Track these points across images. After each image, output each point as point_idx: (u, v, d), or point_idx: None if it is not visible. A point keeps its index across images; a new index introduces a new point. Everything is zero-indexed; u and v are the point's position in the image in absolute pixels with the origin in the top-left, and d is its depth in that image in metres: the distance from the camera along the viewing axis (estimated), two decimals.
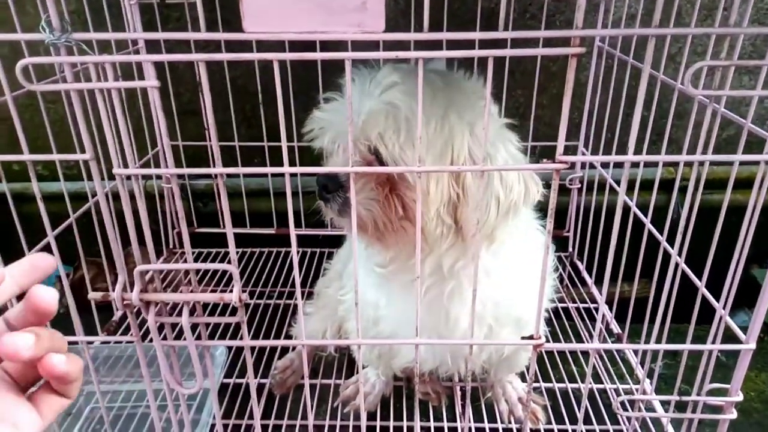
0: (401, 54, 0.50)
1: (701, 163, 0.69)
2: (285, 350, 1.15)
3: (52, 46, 0.49)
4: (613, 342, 1.11)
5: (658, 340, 0.78)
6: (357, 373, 1.09)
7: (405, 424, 0.98)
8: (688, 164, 0.68)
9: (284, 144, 0.53)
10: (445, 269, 0.75)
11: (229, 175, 0.55)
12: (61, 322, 0.77)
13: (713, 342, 0.71)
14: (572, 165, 1.29)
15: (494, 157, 0.68)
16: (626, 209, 0.80)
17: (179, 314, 0.60)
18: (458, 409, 1.02)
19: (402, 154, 0.65)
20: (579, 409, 0.99)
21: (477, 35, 0.50)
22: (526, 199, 0.70)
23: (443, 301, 0.78)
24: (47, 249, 0.79)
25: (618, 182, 1.10)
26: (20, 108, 0.59)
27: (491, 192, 0.67)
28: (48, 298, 0.42)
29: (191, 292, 0.60)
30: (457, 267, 0.76)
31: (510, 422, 0.99)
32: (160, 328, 0.61)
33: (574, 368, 1.11)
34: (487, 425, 0.98)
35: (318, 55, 0.51)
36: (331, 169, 0.64)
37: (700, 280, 0.78)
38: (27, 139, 0.59)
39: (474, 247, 0.70)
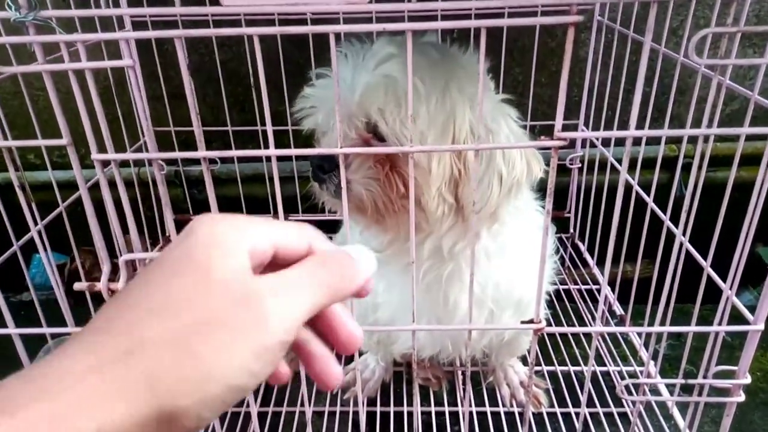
0: (389, 26, 0.47)
1: (705, 139, 0.67)
2: None
3: (20, 24, 0.46)
4: (616, 324, 1.09)
5: (662, 322, 0.76)
6: (356, 359, 1.08)
7: (405, 409, 0.97)
8: (691, 141, 0.65)
9: (269, 125, 0.51)
10: (444, 251, 0.73)
11: (223, 161, 0.53)
12: (55, 313, 0.77)
13: (719, 323, 0.69)
14: (572, 143, 1.27)
15: (496, 133, 0.65)
16: (628, 188, 0.78)
17: None
18: (459, 394, 1.01)
19: (404, 129, 0.62)
20: (582, 392, 0.98)
21: (473, 3, 0.48)
22: (528, 177, 0.68)
23: (442, 284, 0.76)
24: (49, 238, 0.77)
25: (619, 161, 1.07)
26: (9, 95, 0.57)
27: (494, 169, 0.65)
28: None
29: None
30: (456, 249, 0.73)
31: (512, 406, 0.98)
32: None
33: (577, 350, 1.09)
34: (488, 409, 0.97)
35: (302, 29, 0.49)
36: (321, 151, 0.62)
37: (705, 259, 0.76)
38: (15, 126, 0.57)
39: (474, 227, 0.68)
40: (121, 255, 0.58)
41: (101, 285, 0.57)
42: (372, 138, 0.66)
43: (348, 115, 0.65)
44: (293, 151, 0.53)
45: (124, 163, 1.28)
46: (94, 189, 0.57)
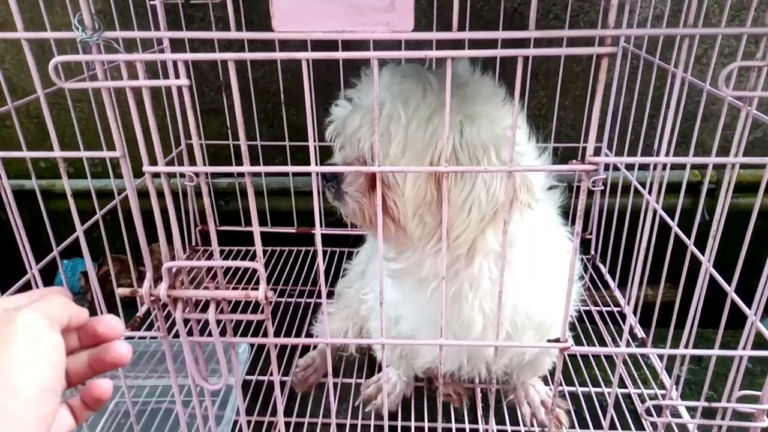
0: (430, 53, 0.50)
1: (732, 166, 0.68)
2: (305, 349, 1.16)
3: (84, 44, 0.50)
4: (636, 346, 1.10)
5: (685, 346, 0.76)
6: (377, 372, 1.09)
7: (427, 425, 0.98)
8: (716, 168, 0.66)
9: (311, 142, 0.53)
10: (443, 270, 0.75)
11: (252, 174, 0.55)
12: None
13: (744, 348, 0.69)
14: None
15: (481, 162, 0.66)
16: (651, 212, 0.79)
17: (203, 311, 0.60)
18: (479, 411, 1.01)
19: (374, 149, 0.65)
20: (603, 414, 0.98)
21: (500, 35, 0.50)
22: (513, 206, 0.67)
23: (448, 302, 0.77)
24: (76, 244, 0.81)
25: (642, 184, 1.09)
26: (48, 108, 0.60)
27: (474, 196, 0.66)
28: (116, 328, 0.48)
29: (217, 289, 0.61)
30: (453, 270, 0.74)
31: (532, 425, 0.98)
32: (185, 324, 0.61)
33: (597, 372, 1.09)
34: (509, 428, 0.97)
35: (344, 55, 0.51)
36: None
37: (729, 284, 0.76)
38: (46, 136, 0.59)
39: (461, 251, 0.70)
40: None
41: (143, 291, 0.60)
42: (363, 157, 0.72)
43: (350, 135, 0.72)
44: (327, 169, 0.56)
45: (155, 175, 1.32)
46: (126, 200, 0.59)
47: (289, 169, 0.63)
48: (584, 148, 1.33)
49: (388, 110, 0.67)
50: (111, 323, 0.48)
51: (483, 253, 0.72)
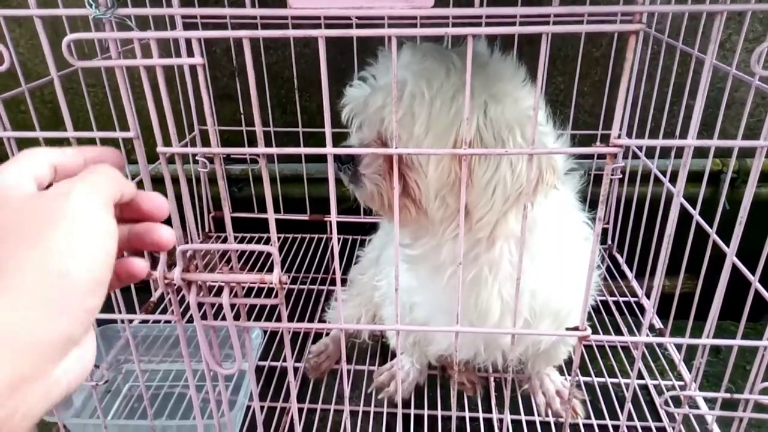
0: (451, 31, 0.48)
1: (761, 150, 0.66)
2: (318, 336, 1.15)
3: (97, 21, 0.49)
4: (654, 336, 1.08)
5: (706, 336, 0.75)
6: (390, 360, 1.09)
7: (440, 413, 0.97)
8: (739, 156, 0.64)
9: (328, 126, 0.52)
10: (461, 256, 0.73)
11: (267, 161, 0.54)
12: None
13: (767, 338, 0.67)
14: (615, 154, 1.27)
15: (506, 142, 0.64)
16: (669, 200, 0.77)
17: (217, 295, 0.60)
18: (493, 401, 1.00)
19: (398, 130, 0.64)
20: (619, 404, 0.97)
21: (520, 10, 0.48)
22: (539, 187, 0.66)
23: (466, 288, 0.76)
24: None
25: (663, 173, 1.07)
26: (62, 90, 0.59)
27: (498, 177, 0.64)
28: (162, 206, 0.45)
29: (231, 273, 0.60)
30: (472, 254, 0.73)
31: (547, 415, 0.97)
32: (199, 308, 0.61)
33: (614, 362, 1.08)
34: (523, 417, 0.96)
35: (360, 32, 0.50)
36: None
37: (753, 274, 0.74)
38: (61, 120, 0.59)
39: (482, 234, 0.68)
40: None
41: (158, 273, 0.59)
42: (385, 137, 0.69)
43: (369, 116, 0.70)
44: (341, 150, 0.54)
45: (170, 160, 1.31)
46: (141, 184, 0.59)
47: (303, 151, 0.55)
48: (602, 135, 1.32)
49: (411, 89, 0.65)
50: (158, 201, 0.45)
51: (504, 236, 0.70)
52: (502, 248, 0.72)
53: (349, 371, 1.07)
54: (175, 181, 0.56)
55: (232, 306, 0.60)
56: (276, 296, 0.60)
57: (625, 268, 1.28)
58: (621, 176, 1.26)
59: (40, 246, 0.33)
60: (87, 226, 0.35)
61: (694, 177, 0.92)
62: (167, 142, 0.54)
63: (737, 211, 0.61)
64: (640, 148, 1.20)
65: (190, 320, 0.61)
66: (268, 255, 0.56)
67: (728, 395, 0.72)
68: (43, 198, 0.36)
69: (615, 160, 1.25)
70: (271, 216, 0.57)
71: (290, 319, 1.19)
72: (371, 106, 0.69)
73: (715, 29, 0.48)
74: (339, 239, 1.44)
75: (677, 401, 0.80)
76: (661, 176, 1.07)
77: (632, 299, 1.22)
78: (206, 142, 1.32)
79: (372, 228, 1.24)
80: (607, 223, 1.33)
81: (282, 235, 1.46)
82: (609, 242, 1.35)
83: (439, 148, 0.65)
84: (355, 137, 0.75)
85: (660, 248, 0.60)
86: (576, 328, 0.62)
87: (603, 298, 1.22)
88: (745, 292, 0.75)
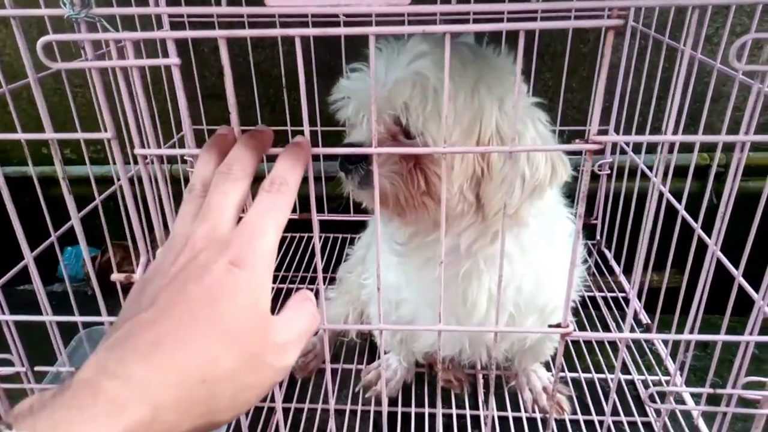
0: (428, 28, 0.48)
1: (742, 147, 0.66)
2: None
3: (73, 21, 0.48)
4: (641, 332, 1.08)
5: (691, 331, 0.75)
6: (378, 358, 1.09)
7: (427, 410, 0.97)
8: (725, 150, 0.64)
9: (306, 125, 0.52)
10: (462, 249, 0.73)
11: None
12: (88, 305, 0.79)
13: (750, 333, 0.68)
14: (602, 150, 1.27)
15: (522, 135, 0.65)
16: (658, 196, 0.77)
17: None
18: (480, 397, 1.01)
19: (427, 125, 0.63)
20: (606, 400, 0.97)
21: (506, 6, 0.48)
22: (553, 180, 0.67)
23: (458, 281, 0.76)
24: (71, 232, 0.80)
25: (650, 168, 1.07)
26: (48, 92, 0.58)
27: (517, 170, 0.65)
28: None
29: None
30: (475, 247, 0.73)
31: (534, 411, 0.97)
32: None
33: (601, 358, 1.08)
34: (510, 414, 0.97)
35: (341, 30, 0.49)
36: (354, 150, 0.63)
37: (736, 269, 0.75)
38: (53, 122, 0.58)
39: (497, 227, 0.68)
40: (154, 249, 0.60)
41: (137, 276, 0.59)
42: (399, 132, 0.66)
43: (377, 110, 0.65)
44: (332, 150, 0.54)
45: (156, 158, 1.31)
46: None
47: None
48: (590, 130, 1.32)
49: (434, 82, 0.62)
50: None
51: (522, 225, 0.71)
52: (506, 243, 0.72)
53: (337, 370, 1.07)
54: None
55: None
56: None
57: (613, 263, 1.28)
58: (609, 172, 1.26)
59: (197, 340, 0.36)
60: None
61: (683, 172, 0.92)
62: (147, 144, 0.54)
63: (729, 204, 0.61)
64: (627, 143, 1.20)
65: None
66: None
67: (712, 390, 0.72)
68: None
69: (602, 156, 1.25)
70: None
71: None
72: (397, 97, 0.64)
73: (693, 22, 0.48)
74: (329, 238, 1.44)
75: (663, 396, 0.81)
76: (647, 171, 1.07)
77: (620, 294, 1.22)
78: (200, 142, 1.31)
79: (362, 226, 1.24)
80: (596, 218, 1.34)
81: None
82: (597, 238, 1.35)
83: (465, 142, 0.64)
84: (362, 132, 0.71)
85: (649, 243, 0.60)
86: (559, 325, 0.62)
87: (591, 293, 1.22)
88: (732, 287, 0.75)
